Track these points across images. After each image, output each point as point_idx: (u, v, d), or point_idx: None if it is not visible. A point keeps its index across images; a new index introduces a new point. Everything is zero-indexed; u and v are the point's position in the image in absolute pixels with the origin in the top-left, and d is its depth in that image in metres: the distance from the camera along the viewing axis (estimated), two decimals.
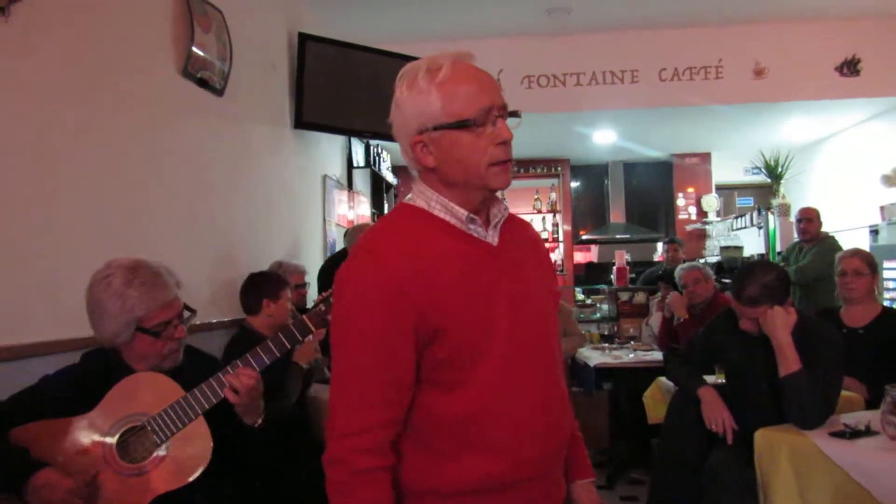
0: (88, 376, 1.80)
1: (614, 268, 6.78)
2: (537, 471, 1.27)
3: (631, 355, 4.49)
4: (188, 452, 1.74)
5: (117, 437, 1.72)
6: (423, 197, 1.28)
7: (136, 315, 1.78)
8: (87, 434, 1.71)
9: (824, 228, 5.59)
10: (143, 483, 1.70)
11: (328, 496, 1.20)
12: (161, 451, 1.73)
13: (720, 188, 9.05)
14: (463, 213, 1.25)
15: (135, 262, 1.84)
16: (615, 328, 5.22)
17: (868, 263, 3.34)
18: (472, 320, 1.20)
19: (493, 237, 1.29)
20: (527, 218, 1.52)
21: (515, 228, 1.37)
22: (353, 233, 4.68)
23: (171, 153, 2.98)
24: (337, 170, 5.90)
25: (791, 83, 6.19)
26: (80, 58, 2.37)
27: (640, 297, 5.29)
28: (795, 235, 5.63)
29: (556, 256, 8.84)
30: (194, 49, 3.08)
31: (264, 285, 3.07)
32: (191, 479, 1.72)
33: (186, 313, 1.91)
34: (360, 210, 6.48)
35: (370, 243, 1.25)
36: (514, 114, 1.29)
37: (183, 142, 3.08)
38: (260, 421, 1.87)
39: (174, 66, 2.99)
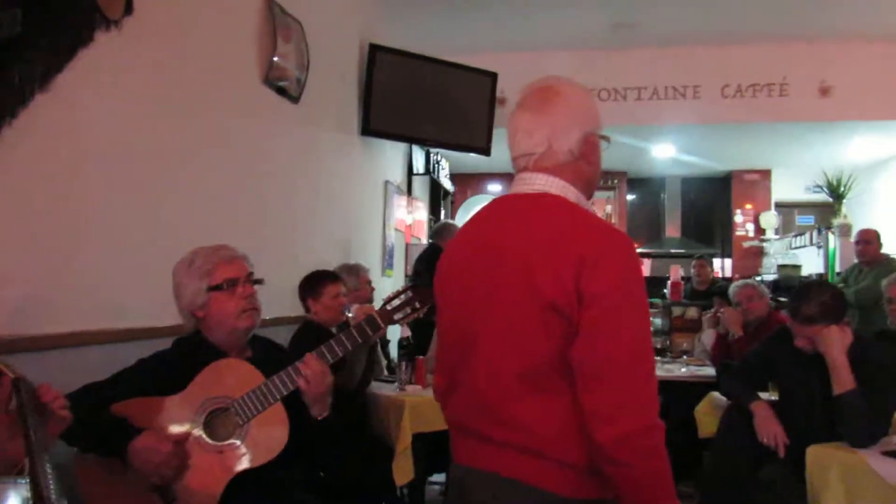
0: (179, 360, 1.96)
1: (668, 282, 6.76)
2: None
3: (683, 369, 4.49)
4: (267, 435, 1.86)
5: (204, 416, 1.86)
6: (574, 195, 1.39)
7: (204, 270, 1.95)
8: (178, 412, 1.84)
9: (888, 250, 5.49)
10: (225, 460, 1.83)
11: (648, 465, 1.24)
12: (242, 432, 1.86)
13: (780, 206, 8.92)
14: None
15: None
16: (668, 342, 5.21)
17: None
18: None
19: None
20: None
21: None
22: (439, 228, 5.33)
23: (251, 156, 3.17)
24: (397, 176, 6.07)
25: (857, 102, 6.10)
26: (180, 67, 2.57)
27: (691, 313, 5.27)
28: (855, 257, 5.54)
29: None
30: (276, 59, 3.27)
31: (302, 288, 3.18)
32: (268, 459, 1.84)
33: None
34: (417, 215, 6.63)
35: (609, 224, 1.41)
36: None
37: (262, 145, 3.27)
38: (324, 414, 1.97)
39: (258, 75, 3.19)
